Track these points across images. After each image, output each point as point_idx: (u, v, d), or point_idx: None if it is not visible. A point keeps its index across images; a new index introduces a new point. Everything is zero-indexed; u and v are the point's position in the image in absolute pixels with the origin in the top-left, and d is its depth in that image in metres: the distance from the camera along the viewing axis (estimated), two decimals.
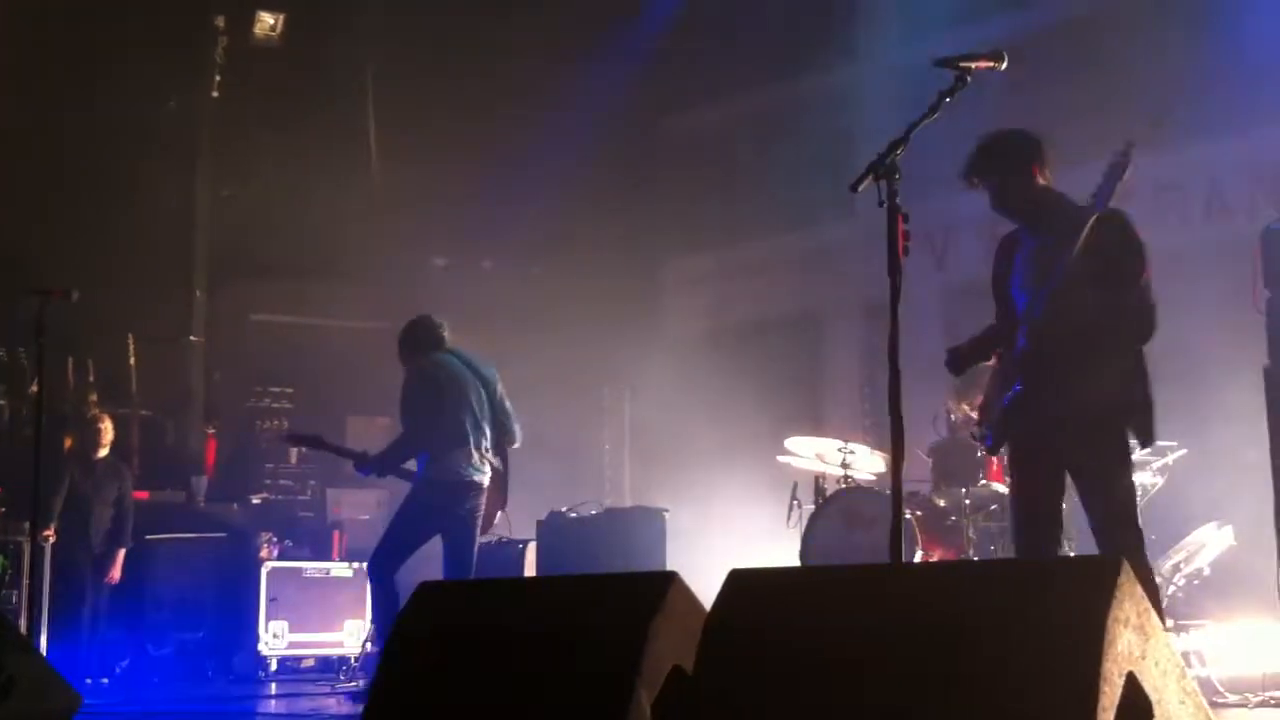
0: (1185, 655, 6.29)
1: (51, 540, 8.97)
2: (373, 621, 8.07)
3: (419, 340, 7.56)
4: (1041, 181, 5.01)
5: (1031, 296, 4.86)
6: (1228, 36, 9.46)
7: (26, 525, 8.30)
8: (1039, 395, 4.80)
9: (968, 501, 7.56)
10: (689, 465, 10.92)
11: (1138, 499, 7.26)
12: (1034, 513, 4.94)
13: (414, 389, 7.41)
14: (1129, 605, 2.53)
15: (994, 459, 7.15)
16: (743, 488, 9.85)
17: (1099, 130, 9.84)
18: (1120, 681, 2.46)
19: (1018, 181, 4.98)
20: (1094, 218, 4.77)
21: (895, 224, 4.00)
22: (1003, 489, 7.26)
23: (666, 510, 8.56)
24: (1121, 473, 4.86)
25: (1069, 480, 4.96)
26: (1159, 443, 7.36)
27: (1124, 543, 4.72)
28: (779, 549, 8.54)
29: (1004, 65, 4.21)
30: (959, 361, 5.26)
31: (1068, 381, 4.78)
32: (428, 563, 11.11)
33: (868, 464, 8.37)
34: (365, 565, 10.13)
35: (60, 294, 6.55)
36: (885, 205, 4.02)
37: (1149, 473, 7.42)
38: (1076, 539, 6.33)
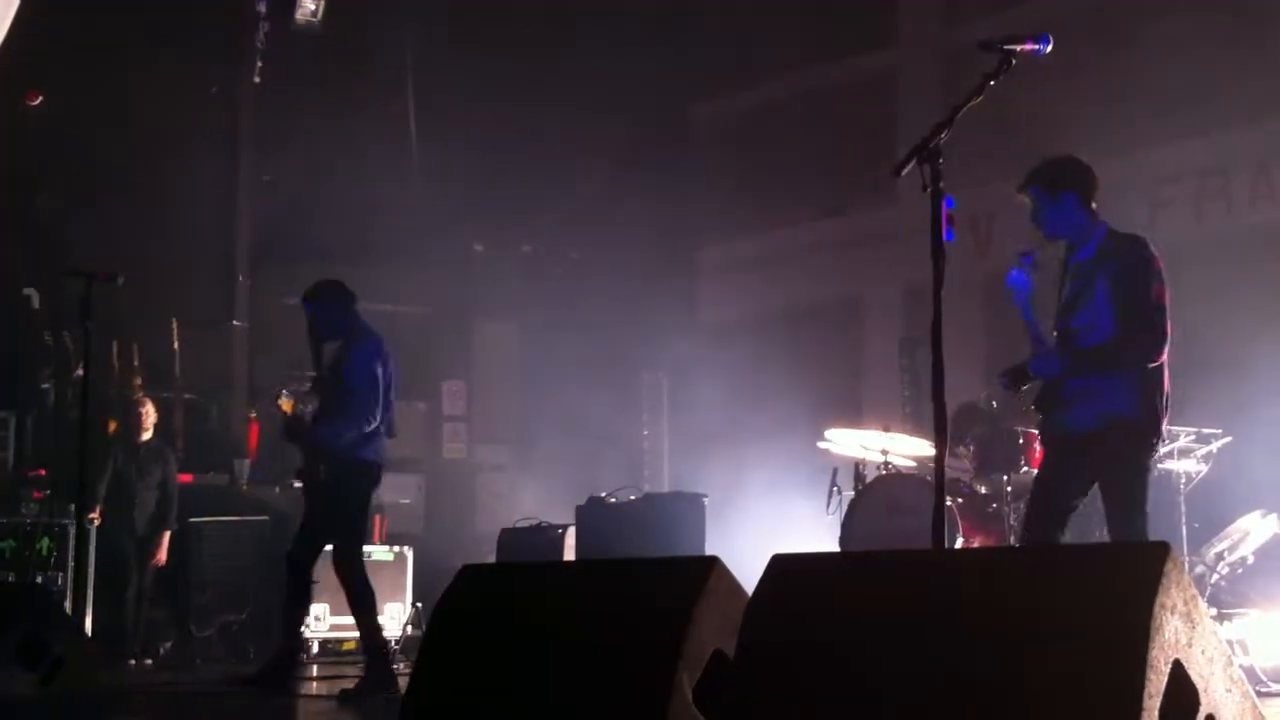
0: (1228, 644, 6.24)
1: (97, 523, 9.07)
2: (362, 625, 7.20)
3: (351, 306, 7.23)
4: (1090, 207, 5.15)
5: (1061, 315, 5.13)
6: (1271, 19, 9.35)
7: (72, 508, 8.39)
8: (1064, 408, 5.07)
9: (1009, 489, 7.51)
10: (728, 451, 10.92)
11: (1183, 488, 7.25)
12: (1046, 510, 5.15)
13: (369, 358, 7.02)
14: (1176, 592, 2.51)
15: (1036, 448, 7.11)
16: (782, 474, 9.84)
17: (1143, 112, 9.79)
18: (1166, 669, 2.44)
19: (1065, 202, 5.14)
20: (1116, 241, 5.07)
21: (939, 208, 3.97)
22: None
23: (705, 496, 8.55)
24: (1134, 486, 5.00)
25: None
26: (1204, 430, 7.35)
27: None
28: (818, 535, 8.53)
29: (1048, 48, 4.16)
30: (1016, 380, 5.34)
31: (1086, 399, 5.00)
32: (466, 547, 11.18)
33: (907, 450, 8.34)
34: (401, 549, 10.28)
35: (106, 277, 6.61)
36: (929, 189, 3.99)
37: (1193, 460, 7.37)
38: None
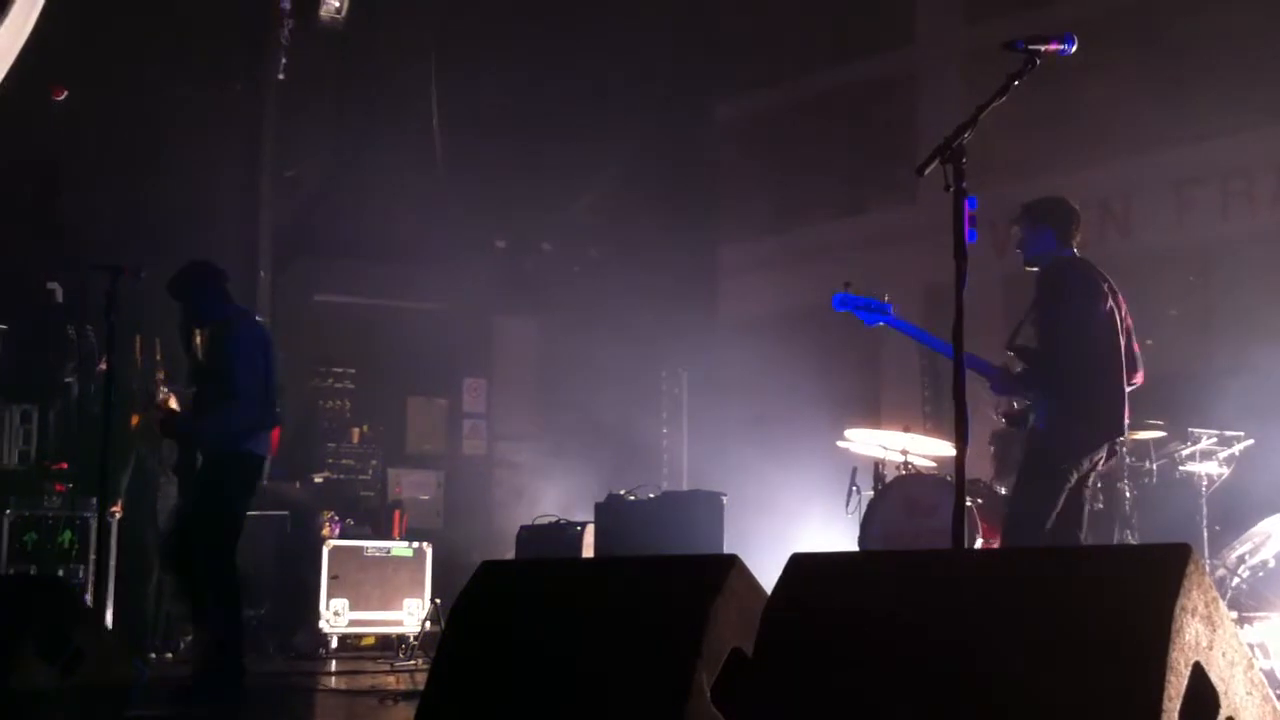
0: (1250, 647, 6.21)
1: (119, 516, 9.11)
2: (220, 621, 6.60)
3: (220, 286, 6.74)
4: (1064, 242, 5.81)
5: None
6: None
7: (94, 501, 8.43)
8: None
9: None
10: (747, 449, 10.90)
11: (1204, 490, 7.22)
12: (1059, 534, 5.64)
13: (251, 344, 6.58)
14: (1197, 594, 2.50)
15: None
16: (801, 472, 9.83)
17: (1169, 113, 9.75)
18: (1187, 671, 2.43)
19: (1042, 238, 5.83)
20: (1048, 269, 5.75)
21: (961, 208, 3.96)
22: None
23: (724, 494, 8.54)
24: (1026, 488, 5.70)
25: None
26: (1226, 432, 7.31)
27: None
28: (837, 534, 8.52)
29: (1073, 48, 4.14)
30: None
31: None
32: (485, 543, 11.20)
33: (927, 450, 8.32)
34: (421, 544, 10.30)
35: (129, 272, 6.61)
36: (952, 189, 3.98)
37: (1215, 463, 7.34)
38: None
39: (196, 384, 6.82)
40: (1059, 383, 5.61)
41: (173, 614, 9.37)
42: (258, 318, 11.00)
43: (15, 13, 8.87)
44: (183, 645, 9.32)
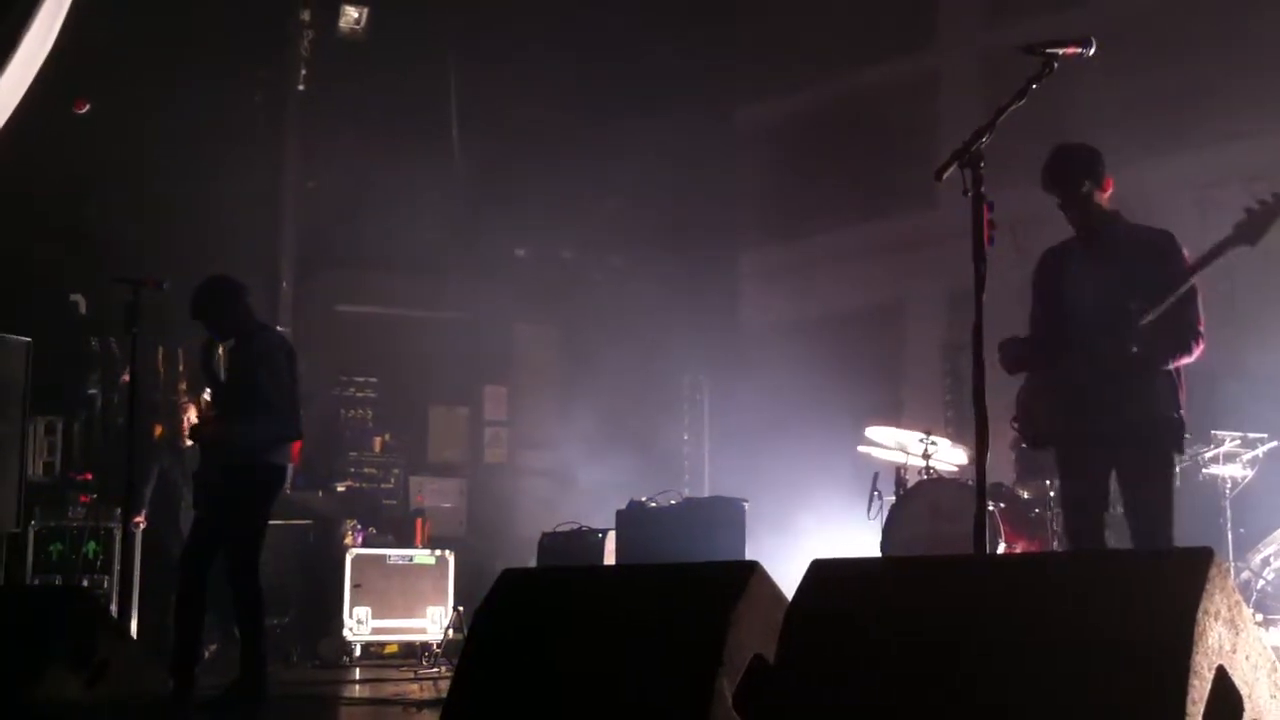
0: (1273, 650, 6.18)
1: (143, 526, 9.16)
2: (247, 628, 6.64)
3: (241, 300, 6.77)
4: (1102, 197, 5.19)
5: (1090, 315, 5.13)
6: None
7: (119, 512, 8.47)
8: (1091, 409, 5.07)
9: (1052, 494, 7.47)
10: (768, 455, 10.90)
11: (1228, 493, 7.18)
12: (1082, 523, 5.19)
13: (276, 356, 6.62)
14: (1220, 598, 2.49)
15: None
16: (822, 478, 9.81)
17: (1191, 115, 9.70)
18: (1210, 675, 2.43)
19: (1081, 195, 5.17)
20: (1149, 239, 5.18)
21: (980, 212, 3.96)
22: None
23: (746, 500, 8.53)
24: (1163, 488, 5.05)
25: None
26: (1250, 435, 7.27)
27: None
28: (859, 540, 8.50)
29: (1091, 51, 4.14)
30: (1014, 362, 5.37)
31: (1120, 400, 5.02)
32: (507, 551, 11.21)
33: (949, 455, 8.30)
34: (443, 552, 10.32)
35: (152, 284, 6.65)
36: (970, 193, 3.98)
37: (1239, 465, 7.31)
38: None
39: (219, 399, 6.82)
40: (1179, 371, 5.18)
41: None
42: (279, 328, 11.08)
43: (37, 26, 8.93)
44: (206, 655, 9.36)
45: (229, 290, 6.75)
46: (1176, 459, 5.10)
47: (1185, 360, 5.08)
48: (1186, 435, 5.14)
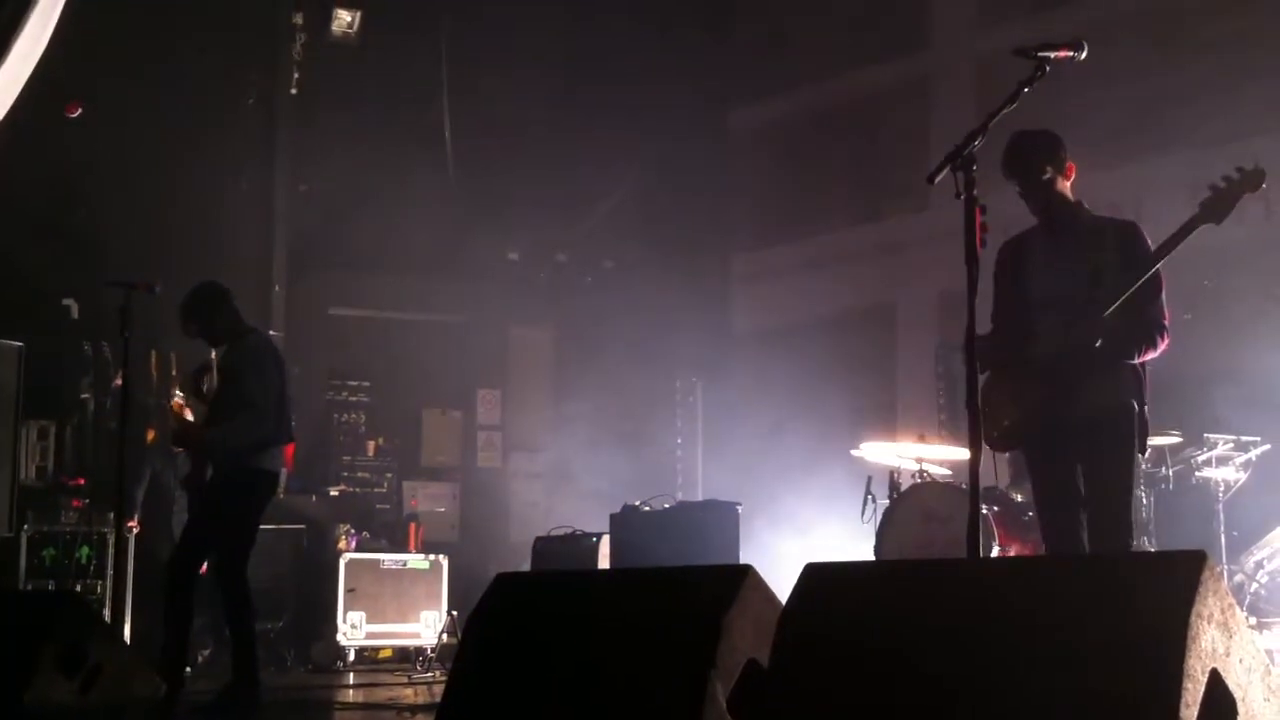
0: (1267, 653, 6.18)
1: (136, 531, 9.14)
2: (233, 628, 6.59)
3: (227, 304, 6.76)
4: (1064, 185, 5.05)
5: (1052, 305, 4.97)
6: None
7: (111, 516, 8.45)
8: (1055, 402, 4.92)
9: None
10: (762, 459, 10.89)
11: (1221, 496, 7.18)
12: (1055, 518, 5.04)
13: (263, 358, 6.64)
14: (1213, 601, 2.50)
15: None
16: (816, 482, 9.81)
17: (1183, 115, 9.72)
18: (1204, 678, 2.43)
19: (1043, 182, 5.00)
20: (1113, 228, 5.05)
21: (973, 215, 3.96)
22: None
23: (739, 504, 8.53)
24: (1122, 482, 4.91)
25: None
26: (1243, 437, 7.28)
27: (1113, 544, 4.81)
28: (853, 544, 8.50)
29: (1083, 54, 4.15)
30: (983, 359, 5.09)
31: (1084, 390, 4.89)
32: (501, 555, 11.20)
33: (942, 458, 8.30)
34: (437, 557, 10.31)
35: (144, 288, 6.65)
36: (963, 196, 3.98)
37: (1232, 468, 7.32)
38: None
39: (210, 404, 6.81)
40: (1143, 366, 5.05)
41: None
42: (272, 332, 11.06)
43: (29, 29, 8.92)
44: (200, 659, 9.35)
45: (216, 295, 6.76)
46: (1138, 455, 4.96)
47: (1150, 355, 4.96)
48: (1156, 436, 5.18)
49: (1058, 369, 4.89)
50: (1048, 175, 4.97)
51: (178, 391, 8.17)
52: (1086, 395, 4.87)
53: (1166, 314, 4.95)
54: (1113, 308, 4.78)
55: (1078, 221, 5.03)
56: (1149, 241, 4.94)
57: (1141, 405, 4.95)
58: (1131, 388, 4.94)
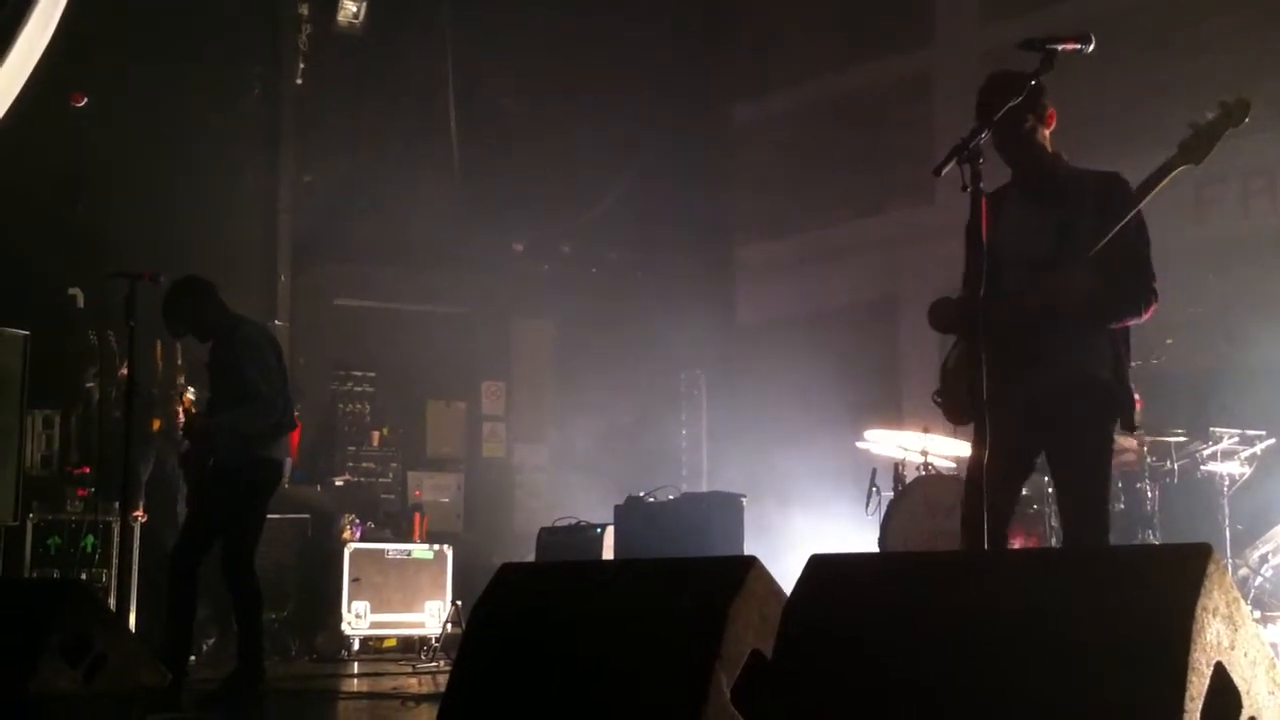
0: (1272, 647, 6.18)
1: (141, 520, 9.16)
2: (243, 626, 6.63)
3: (212, 298, 6.71)
4: (1044, 134, 4.63)
5: (1027, 260, 4.48)
6: None
7: (116, 505, 8.46)
8: (1017, 366, 4.38)
9: (1050, 489, 7.47)
10: (766, 451, 10.90)
11: (1226, 490, 7.18)
12: (993, 499, 4.38)
13: (260, 346, 6.59)
14: (1218, 594, 2.50)
15: None
16: (820, 474, 9.82)
17: (1185, 118, 9.70)
18: (1209, 672, 2.43)
19: (1023, 128, 4.58)
20: (1095, 180, 4.57)
21: (979, 208, 3.95)
22: None
23: (743, 496, 8.54)
24: (1094, 464, 4.49)
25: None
26: (1248, 431, 7.27)
27: (1087, 537, 4.43)
28: (857, 536, 8.51)
29: (1090, 47, 4.13)
30: (943, 322, 4.80)
31: (1049, 359, 4.42)
32: (505, 546, 11.21)
33: (947, 450, 8.31)
34: (441, 547, 10.32)
35: (149, 278, 6.65)
36: (969, 189, 3.97)
37: (1237, 462, 7.31)
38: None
39: (211, 392, 6.81)
40: (1127, 333, 4.64)
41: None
42: (276, 322, 11.07)
43: (34, 21, 8.92)
44: (205, 648, 9.38)
45: (199, 289, 6.73)
46: (1115, 433, 4.52)
47: (1133, 320, 4.54)
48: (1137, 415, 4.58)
49: (1022, 334, 4.39)
50: (1029, 124, 4.58)
51: (190, 389, 8.17)
52: (1054, 360, 4.38)
53: (1155, 275, 4.50)
54: (1093, 250, 4.35)
55: (1057, 173, 4.58)
56: (1132, 191, 4.49)
57: (1120, 378, 4.52)
58: (1105, 358, 4.52)
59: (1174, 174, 4.42)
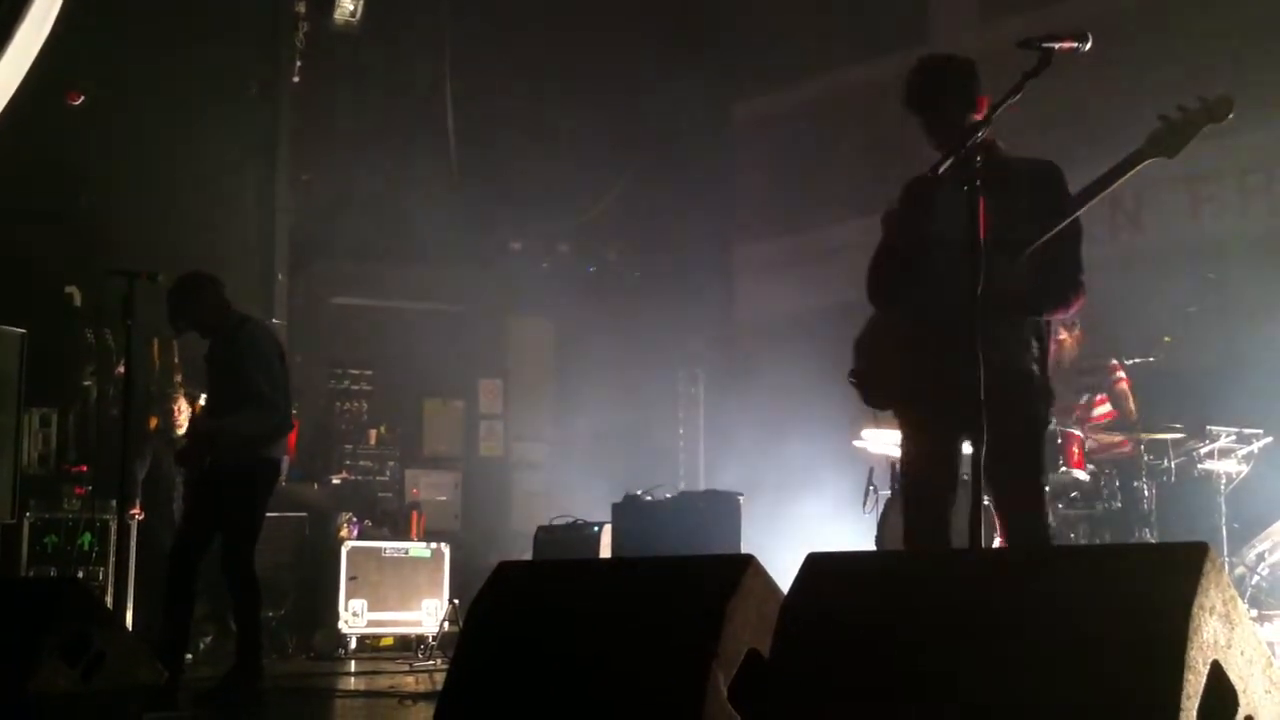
0: (1269, 645, 6.18)
1: (138, 518, 9.16)
2: (242, 624, 6.68)
3: (216, 294, 6.69)
4: (975, 119, 4.35)
5: (957, 249, 4.08)
6: None
7: (113, 503, 8.46)
8: (943, 357, 4.20)
9: (1047, 488, 7.45)
10: (763, 449, 10.90)
11: (1223, 488, 7.19)
12: (930, 493, 4.56)
13: (264, 347, 6.57)
14: (1215, 593, 2.50)
15: (1075, 448, 7.07)
16: (818, 472, 9.81)
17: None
18: (1205, 670, 2.43)
19: (954, 116, 4.48)
20: (1030, 170, 4.50)
21: (976, 206, 3.95)
22: (1084, 475, 7.18)
23: (741, 494, 8.55)
24: (1030, 460, 4.43)
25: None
26: (1245, 430, 7.28)
27: (1029, 529, 4.40)
28: (854, 534, 8.51)
29: (1088, 46, 4.13)
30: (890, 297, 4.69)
31: (980, 345, 3.97)
32: (502, 544, 11.21)
33: None
34: (438, 545, 10.32)
35: (146, 276, 6.64)
36: (966, 188, 3.97)
37: (1235, 460, 7.32)
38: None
39: (209, 393, 6.81)
40: (1049, 324, 4.62)
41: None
42: (274, 320, 11.06)
43: (31, 17, 8.91)
44: (202, 647, 9.38)
45: (201, 284, 6.70)
46: (1049, 428, 4.49)
47: (1061, 313, 4.53)
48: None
49: (950, 321, 4.09)
50: (958, 110, 4.47)
51: (179, 388, 8.17)
52: (984, 352, 3.92)
53: (1083, 268, 4.41)
54: (1032, 247, 4.24)
55: (990, 160, 4.22)
56: (1066, 183, 4.42)
57: (1043, 371, 4.44)
58: (1033, 351, 4.44)
59: (1141, 166, 4.35)
